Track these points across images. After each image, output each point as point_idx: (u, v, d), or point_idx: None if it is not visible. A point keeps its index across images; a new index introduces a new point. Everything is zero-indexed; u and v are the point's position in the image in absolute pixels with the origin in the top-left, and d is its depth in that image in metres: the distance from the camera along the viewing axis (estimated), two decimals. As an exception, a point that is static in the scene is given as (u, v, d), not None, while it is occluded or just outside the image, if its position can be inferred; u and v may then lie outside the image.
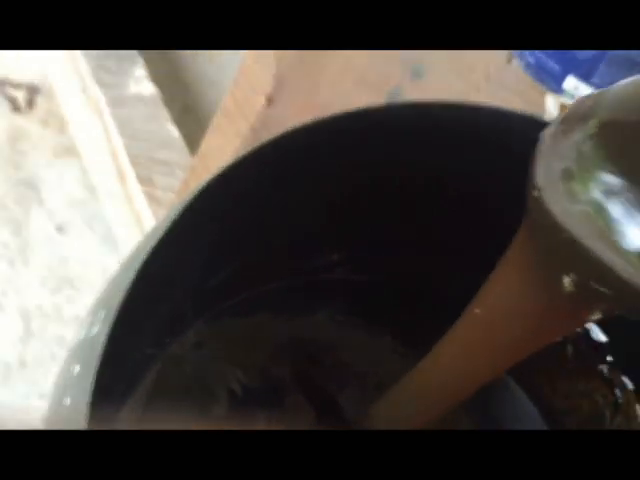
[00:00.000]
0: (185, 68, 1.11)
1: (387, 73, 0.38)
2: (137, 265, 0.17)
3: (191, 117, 1.05)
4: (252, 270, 0.23)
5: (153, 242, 0.17)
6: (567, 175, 0.17)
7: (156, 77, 0.64)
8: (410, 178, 0.22)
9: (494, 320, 0.19)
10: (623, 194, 0.15)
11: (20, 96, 1.01)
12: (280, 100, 0.36)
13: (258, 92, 0.36)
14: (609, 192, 0.16)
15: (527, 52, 0.37)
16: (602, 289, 0.16)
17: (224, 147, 0.35)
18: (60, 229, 0.94)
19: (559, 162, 0.17)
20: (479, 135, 0.20)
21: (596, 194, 0.16)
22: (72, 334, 0.74)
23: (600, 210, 0.16)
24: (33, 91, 1.01)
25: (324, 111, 0.38)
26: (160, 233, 0.17)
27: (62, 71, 0.89)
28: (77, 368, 0.17)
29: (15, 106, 1.01)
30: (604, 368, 0.25)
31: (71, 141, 0.96)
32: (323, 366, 0.28)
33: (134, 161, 0.43)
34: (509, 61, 0.39)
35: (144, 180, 0.41)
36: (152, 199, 0.41)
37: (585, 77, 0.36)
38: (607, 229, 0.15)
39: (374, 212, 0.24)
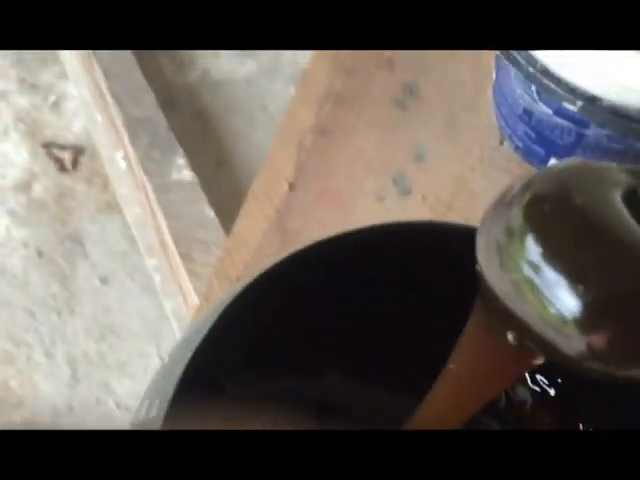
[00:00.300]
0: (218, 126, 1.19)
1: (392, 158, 0.43)
2: (184, 362, 0.22)
3: (224, 170, 1.12)
4: (277, 350, 0.29)
5: (194, 344, 0.22)
6: (500, 247, 0.18)
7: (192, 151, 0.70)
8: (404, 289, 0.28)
9: (463, 371, 0.22)
10: (545, 264, 0.17)
11: (66, 157, 1.09)
12: (301, 185, 0.42)
13: (281, 179, 0.42)
14: (534, 263, 0.17)
15: (515, 137, 0.42)
16: (534, 346, 0.18)
17: (253, 229, 0.40)
18: (104, 280, 1.00)
19: (495, 235, 0.19)
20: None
21: (524, 265, 0.17)
22: (116, 380, 0.79)
23: (527, 280, 0.17)
24: (77, 152, 1.09)
25: (339, 194, 0.43)
26: (200, 335, 0.23)
27: (103, 134, 0.96)
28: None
29: (61, 166, 1.09)
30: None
31: (113, 198, 1.03)
32: (341, 417, 0.33)
33: (176, 240, 0.49)
34: (501, 143, 0.44)
35: (185, 256, 0.47)
36: (192, 273, 0.46)
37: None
38: (533, 296, 0.17)
39: (375, 313, 0.29)
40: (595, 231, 0.17)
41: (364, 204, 0.42)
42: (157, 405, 0.22)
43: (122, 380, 0.93)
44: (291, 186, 0.42)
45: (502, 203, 0.19)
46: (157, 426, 0.21)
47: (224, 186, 1.07)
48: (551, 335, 0.17)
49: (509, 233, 0.18)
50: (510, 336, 0.19)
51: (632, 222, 0.17)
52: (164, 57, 1.26)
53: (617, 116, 0.33)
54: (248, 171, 1.11)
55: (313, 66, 0.47)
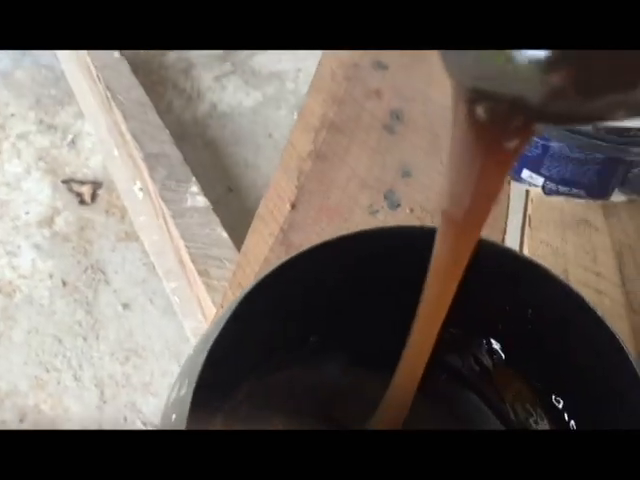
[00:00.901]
0: (227, 154, 1.25)
1: (383, 176, 0.49)
2: (206, 348, 0.27)
3: (234, 195, 1.18)
4: (283, 342, 0.34)
5: (215, 334, 0.28)
6: None
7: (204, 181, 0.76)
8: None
9: (455, 193, 0.23)
10: None
11: (85, 191, 1.16)
12: (302, 205, 0.47)
13: (284, 200, 0.47)
14: None
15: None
16: (503, 108, 0.19)
17: (261, 245, 0.45)
18: (125, 305, 1.06)
19: None
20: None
21: None
22: (141, 399, 0.84)
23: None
24: (95, 186, 1.16)
25: (336, 210, 0.48)
26: (219, 328, 0.28)
27: (120, 168, 1.02)
28: (174, 417, 0.27)
29: (81, 200, 1.16)
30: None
31: (131, 227, 1.09)
32: (343, 405, 0.38)
33: (194, 259, 0.54)
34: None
35: (202, 272, 0.52)
36: (209, 287, 0.51)
37: (536, 169, 0.46)
38: (498, 56, 0.17)
39: (370, 305, 0.34)
40: None
41: (359, 218, 0.47)
42: (186, 384, 0.27)
43: (147, 399, 0.98)
44: (293, 205, 0.47)
45: None
46: (187, 402, 0.26)
47: (234, 210, 1.13)
48: (517, 87, 0.18)
49: None
50: (480, 110, 0.20)
51: None
52: (173, 92, 1.33)
53: (571, 132, 0.39)
54: (256, 195, 1.18)
55: (309, 99, 0.53)
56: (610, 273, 0.42)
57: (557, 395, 0.33)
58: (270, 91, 1.37)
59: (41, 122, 1.29)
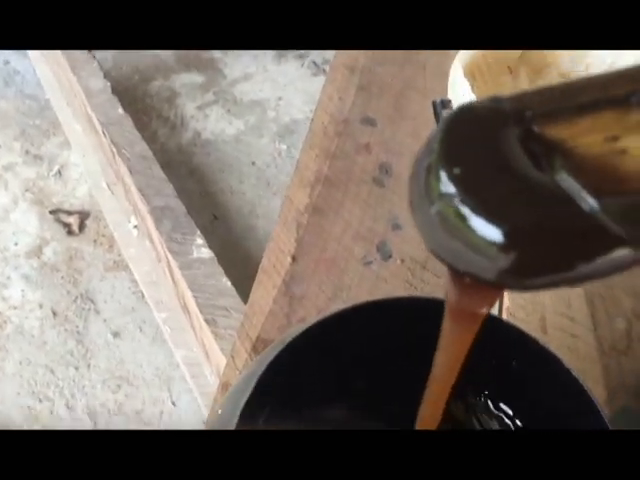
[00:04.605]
0: (211, 182, 1.28)
1: (375, 229, 0.53)
2: (238, 409, 0.31)
3: (219, 222, 1.22)
4: (302, 394, 0.37)
5: (245, 395, 0.31)
6: (424, 191, 0.19)
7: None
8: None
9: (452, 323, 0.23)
10: (457, 196, 0.18)
11: (72, 221, 1.18)
12: (301, 258, 0.51)
13: (285, 253, 0.51)
14: (451, 196, 0.18)
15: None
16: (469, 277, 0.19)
17: (265, 297, 0.49)
18: (115, 334, 1.08)
19: (420, 179, 0.19)
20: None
21: (442, 201, 0.18)
22: (134, 427, 0.87)
23: (450, 214, 0.18)
24: (83, 216, 1.18)
25: (333, 262, 0.52)
26: (249, 389, 0.31)
27: (111, 201, 1.05)
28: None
29: (69, 230, 1.18)
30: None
31: (119, 256, 1.11)
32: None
33: (201, 308, 0.57)
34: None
35: (209, 322, 0.55)
36: (217, 335, 0.55)
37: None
38: (455, 228, 0.18)
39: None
40: (500, 169, 0.19)
41: (354, 269, 0.51)
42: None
43: (140, 427, 1.00)
44: (293, 258, 0.51)
45: (426, 149, 0.20)
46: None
47: (220, 237, 1.16)
48: (471, 263, 0.19)
49: (428, 172, 0.19)
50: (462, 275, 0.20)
51: (526, 160, 0.19)
52: (157, 122, 1.36)
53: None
54: (241, 223, 1.21)
55: (304, 154, 0.56)
56: (583, 319, 0.47)
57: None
58: (252, 120, 1.40)
59: (27, 153, 1.31)
